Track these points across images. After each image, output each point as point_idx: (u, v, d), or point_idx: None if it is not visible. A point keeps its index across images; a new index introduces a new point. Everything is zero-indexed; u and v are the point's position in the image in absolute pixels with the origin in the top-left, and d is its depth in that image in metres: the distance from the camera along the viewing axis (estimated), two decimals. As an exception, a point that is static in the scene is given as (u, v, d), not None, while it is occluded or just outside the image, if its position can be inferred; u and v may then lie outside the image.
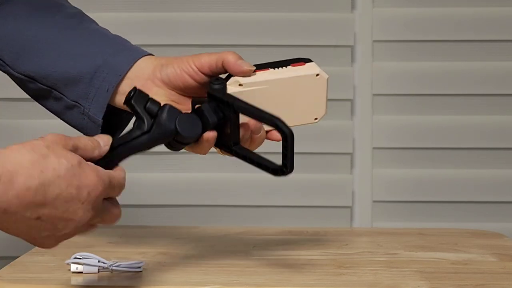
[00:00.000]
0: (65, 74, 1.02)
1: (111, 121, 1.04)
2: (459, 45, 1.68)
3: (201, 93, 0.98)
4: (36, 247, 1.15)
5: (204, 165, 1.67)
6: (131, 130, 0.92)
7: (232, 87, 0.97)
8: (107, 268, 1.01)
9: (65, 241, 1.17)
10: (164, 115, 0.92)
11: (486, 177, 1.69)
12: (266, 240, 1.24)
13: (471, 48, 1.68)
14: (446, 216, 1.69)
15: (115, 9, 1.67)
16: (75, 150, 0.82)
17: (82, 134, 1.03)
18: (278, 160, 0.94)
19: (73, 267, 1.01)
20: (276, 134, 0.99)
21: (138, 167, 1.66)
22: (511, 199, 1.69)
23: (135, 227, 1.36)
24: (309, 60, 1.02)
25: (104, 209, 0.84)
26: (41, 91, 1.05)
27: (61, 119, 1.06)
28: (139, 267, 1.02)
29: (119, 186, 0.85)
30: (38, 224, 0.80)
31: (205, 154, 0.98)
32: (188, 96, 0.99)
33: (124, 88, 1.00)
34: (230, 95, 0.95)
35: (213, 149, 1.00)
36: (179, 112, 0.94)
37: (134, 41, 1.07)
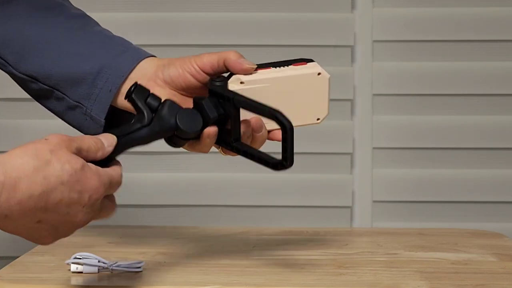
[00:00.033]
0: (68, 74, 1.02)
1: (113, 121, 1.04)
2: (459, 45, 1.68)
3: (203, 93, 0.98)
4: (36, 247, 1.15)
5: (204, 165, 1.67)
6: (131, 123, 0.92)
7: (234, 85, 0.97)
8: (107, 268, 1.01)
9: (65, 241, 1.18)
10: (165, 109, 0.93)
11: (486, 177, 1.69)
12: (266, 240, 1.24)
13: (471, 48, 1.68)
14: (446, 216, 1.69)
15: (115, 9, 1.67)
16: (78, 152, 0.82)
17: (83, 134, 1.03)
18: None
19: (73, 267, 1.01)
20: (277, 134, 0.99)
21: (138, 167, 1.66)
22: (511, 199, 1.69)
23: (135, 227, 1.36)
24: (311, 60, 1.02)
25: (101, 207, 0.84)
26: (43, 91, 1.05)
27: (63, 119, 1.06)
28: (139, 267, 1.02)
29: (117, 184, 0.86)
30: (38, 227, 0.80)
31: (207, 152, 0.98)
32: (190, 96, 1.00)
33: (126, 89, 1.00)
34: (230, 91, 0.96)
35: (213, 148, 1.00)
36: (180, 107, 0.94)
37: (134, 41, 1.07)
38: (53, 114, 1.08)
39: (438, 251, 1.17)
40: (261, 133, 0.98)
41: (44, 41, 1.04)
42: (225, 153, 1.00)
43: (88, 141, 0.84)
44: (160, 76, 1.00)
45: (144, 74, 1.00)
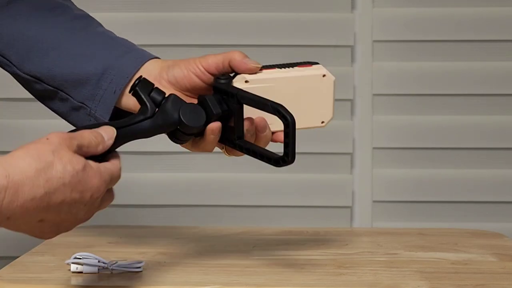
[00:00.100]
0: (72, 75, 1.03)
1: None
2: (459, 45, 1.68)
3: (208, 94, 0.99)
4: (36, 247, 1.16)
5: (204, 165, 1.67)
6: (134, 115, 0.92)
7: (238, 84, 0.97)
8: (107, 268, 1.01)
9: (65, 241, 1.18)
10: (169, 103, 0.93)
11: (486, 177, 1.69)
12: (266, 240, 1.24)
13: (471, 48, 1.68)
14: (446, 216, 1.69)
15: (115, 9, 1.67)
16: (79, 149, 0.82)
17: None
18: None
19: (73, 267, 1.01)
20: (281, 136, 0.99)
21: (138, 167, 1.66)
22: (511, 199, 1.69)
23: (135, 227, 1.36)
24: (316, 63, 1.02)
25: (102, 201, 0.85)
26: (47, 92, 1.05)
27: (67, 120, 1.06)
28: (139, 267, 1.02)
29: (117, 178, 0.86)
30: (40, 225, 0.80)
31: (211, 151, 0.98)
32: (195, 97, 1.00)
33: None
34: (234, 87, 0.96)
35: (216, 149, 1.00)
36: (184, 102, 0.94)
37: (134, 41, 1.07)
38: (55, 114, 1.08)
39: (438, 251, 1.17)
40: (265, 133, 0.98)
41: (47, 42, 1.04)
42: (229, 153, 1.00)
43: (88, 137, 0.84)
44: (165, 77, 1.00)
45: (148, 75, 1.00)
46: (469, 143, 1.69)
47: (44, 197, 0.78)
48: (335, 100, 1.03)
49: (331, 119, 1.03)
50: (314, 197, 1.69)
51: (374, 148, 1.69)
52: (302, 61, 1.03)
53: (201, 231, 1.31)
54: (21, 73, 1.05)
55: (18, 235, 1.76)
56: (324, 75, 1.01)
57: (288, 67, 1.01)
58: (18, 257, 1.11)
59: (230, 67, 0.98)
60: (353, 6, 1.68)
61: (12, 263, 1.07)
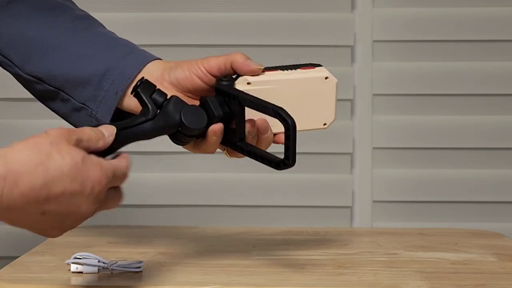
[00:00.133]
0: (74, 76, 1.03)
1: None
2: (459, 45, 1.68)
3: (210, 95, 0.98)
4: (36, 247, 1.15)
5: (204, 165, 1.67)
6: (135, 116, 0.92)
7: (241, 85, 0.97)
8: (107, 268, 1.01)
9: (65, 241, 1.18)
10: (170, 105, 0.93)
11: (486, 177, 1.69)
12: (266, 240, 1.24)
13: (471, 48, 1.68)
14: (446, 216, 1.69)
15: (115, 9, 1.67)
16: (79, 143, 0.82)
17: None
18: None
19: (73, 267, 1.01)
20: (283, 138, 0.99)
21: (138, 167, 1.66)
22: (511, 199, 1.69)
23: (135, 227, 1.36)
24: (319, 65, 1.02)
25: (107, 197, 0.84)
26: (48, 92, 1.05)
27: (68, 121, 1.06)
28: (139, 267, 1.02)
29: (123, 176, 0.86)
30: (43, 219, 0.80)
31: (212, 152, 0.98)
32: (197, 99, 1.00)
33: None
34: (235, 89, 0.96)
35: (216, 149, 1.00)
36: (185, 103, 0.94)
37: (134, 41, 1.07)
38: (55, 114, 1.08)
39: (438, 251, 1.17)
40: (266, 135, 0.98)
41: (48, 42, 1.04)
42: (231, 155, 1.00)
43: (88, 132, 0.84)
44: (167, 79, 1.00)
45: (150, 76, 1.00)
46: (469, 143, 1.69)
47: (44, 187, 0.78)
48: (337, 99, 1.03)
49: (333, 121, 1.03)
50: (314, 197, 1.69)
51: (374, 148, 1.69)
52: (304, 62, 1.03)
53: (201, 231, 1.31)
54: (22, 73, 1.05)
55: (18, 235, 1.77)
56: (326, 77, 1.01)
57: (291, 69, 1.01)
58: (18, 257, 1.11)
59: (232, 69, 0.98)
60: (353, 6, 1.68)
61: (12, 263, 1.07)
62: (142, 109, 0.93)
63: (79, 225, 0.84)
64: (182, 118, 0.93)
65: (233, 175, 1.68)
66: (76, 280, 0.99)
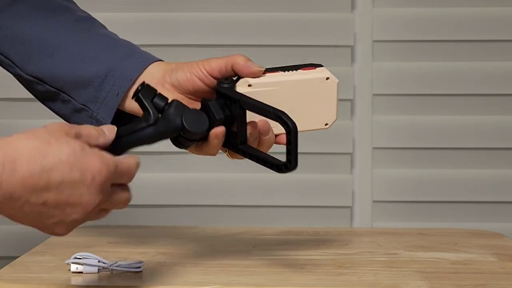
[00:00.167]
0: (75, 77, 1.02)
1: (120, 125, 1.04)
2: (459, 45, 1.68)
3: (211, 97, 0.98)
4: (36, 247, 1.15)
5: (204, 165, 1.67)
6: (136, 122, 0.92)
7: (242, 88, 0.97)
8: (107, 268, 1.01)
9: (65, 241, 1.18)
10: (171, 109, 0.93)
11: (486, 177, 1.69)
12: (266, 240, 1.24)
13: (471, 48, 1.68)
14: (446, 216, 1.69)
15: (115, 9, 1.67)
16: (78, 137, 0.82)
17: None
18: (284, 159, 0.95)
19: (73, 267, 1.01)
20: (284, 138, 0.99)
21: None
22: (511, 199, 1.69)
23: (135, 227, 1.36)
24: (320, 65, 1.02)
25: (112, 193, 0.83)
26: (49, 93, 1.05)
27: (68, 122, 1.06)
28: (139, 267, 1.02)
29: (128, 173, 0.85)
30: (45, 210, 0.79)
31: (214, 154, 0.98)
32: (198, 101, 1.00)
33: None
34: (237, 92, 0.96)
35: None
36: (186, 107, 0.94)
37: (134, 41, 1.07)
38: (56, 115, 1.08)
39: (438, 251, 1.17)
40: (268, 136, 0.98)
41: (50, 43, 1.04)
42: (232, 156, 1.00)
43: (88, 128, 0.84)
44: (168, 80, 1.00)
45: (151, 78, 1.00)
46: (469, 143, 1.69)
47: (42, 174, 0.77)
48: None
49: (335, 121, 1.03)
50: (314, 197, 1.69)
51: (374, 148, 1.69)
52: (305, 63, 1.02)
53: (201, 231, 1.31)
54: (23, 74, 1.05)
55: (18, 235, 1.76)
56: (327, 78, 1.01)
57: (292, 70, 1.00)
58: (18, 257, 1.11)
59: (233, 70, 0.98)
60: (353, 6, 1.68)
61: (12, 263, 1.07)
62: (143, 114, 0.93)
63: (83, 222, 0.83)
64: (184, 122, 0.93)
65: (233, 175, 1.68)
66: (76, 280, 0.99)
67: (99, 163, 0.81)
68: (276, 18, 1.67)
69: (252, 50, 1.65)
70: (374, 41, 1.68)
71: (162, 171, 1.68)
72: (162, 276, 1.00)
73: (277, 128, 0.97)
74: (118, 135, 0.88)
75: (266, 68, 0.99)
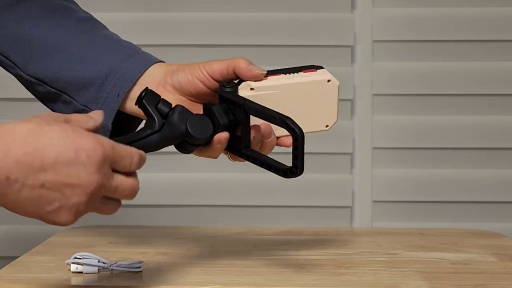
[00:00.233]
0: (76, 78, 1.02)
1: (120, 126, 1.04)
2: (459, 45, 1.68)
3: (212, 99, 0.98)
4: (36, 247, 1.15)
5: (204, 165, 1.67)
6: (141, 129, 0.92)
7: (244, 91, 0.97)
8: (107, 268, 1.01)
9: (65, 241, 1.18)
10: (175, 115, 0.93)
11: (486, 177, 1.69)
12: (266, 240, 1.24)
13: (471, 48, 1.68)
14: (446, 216, 1.69)
15: (115, 9, 1.67)
16: (67, 122, 0.82)
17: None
18: (285, 159, 0.95)
19: (73, 267, 1.01)
20: (286, 141, 0.99)
21: (138, 167, 1.66)
22: (511, 199, 1.69)
23: (135, 227, 1.36)
24: (320, 67, 1.02)
25: (114, 177, 0.82)
26: (50, 94, 1.05)
27: None
28: (139, 267, 1.02)
29: (128, 157, 0.83)
30: (44, 193, 0.78)
31: (216, 157, 0.98)
32: (200, 102, 1.00)
33: (135, 94, 1.00)
34: (240, 97, 0.96)
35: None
36: (190, 113, 0.94)
37: (134, 41, 1.07)
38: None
39: (438, 251, 1.16)
40: (270, 139, 0.98)
41: (52, 44, 1.04)
42: (233, 159, 1.00)
43: (75, 115, 0.84)
44: (169, 82, 1.00)
45: (152, 79, 1.00)
46: (469, 143, 1.69)
47: (36, 153, 0.77)
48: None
49: (336, 122, 1.03)
50: (314, 197, 1.69)
51: (374, 148, 1.69)
52: (306, 65, 1.02)
53: (201, 231, 1.31)
54: (24, 75, 1.05)
55: (18, 235, 1.76)
56: (329, 80, 1.01)
57: (293, 72, 1.00)
58: (18, 257, 1.11)
59: (235, 74, 0.98)
60: (353, 6, 1.68)
61: (12, 263, 1.07)
62: (147, 121, 0.93)
63: (87, 208, 0.80)
64: (188, 128, 0.93)
65: (233, 175, 1.68)
66: (76, 280, 0.99)
67: (93, 142, 0.79)
68: (276, 18, 1.67)
69: (252, 50, 1.66)
70: (374, 41, 1.68)
71: (162, 171, 1.68)
72: (162, 276, 1.00)
73: (279, 130, 0.97)
74: (123, 143, 0.87)
75: (267, 71, 0.99)
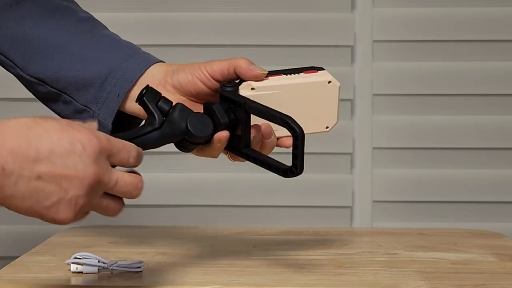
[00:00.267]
0: (76, 78, 1.02)
1: (121, 126, 1.04)
2: (459, 45, 1.68)
3: (213, 99, 0.98)
4: (36, 247, 1.15)
5: (204, 165, 1.67)
6: (141, 126, 0.92)
7: (245, 91, 0.97)
8: (107, 268, 1.01)
9: (65, 241, 1.18)
10: (176, 113, 0.93)
11: (486, 177, 1.69)
12: (266, 240, 1.24)
13: (471, 48, 1.68)
14: (446, 216, 1.69)
15: (115, 9, 1.67)
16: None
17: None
18: (284, 159, 0.95)
19: (73, 267, 1.01)
20: (286, 141, 0.99)
21: (138, 167, 1.66)
22: (511, 199, 1.69)
23: (135, 227, 1.36)
24: (321, 68, 1.02)
25: (113, 170, 0.81)
26: (50, 94, 1.05)
27: None
28: (139, 267, 1.02)
29: (125, 150, 0.82)
30: (41, 185, 0.77)
31: (216, 157, 0.98)
32: (200, 102, 1.00)
33: (135, 94, 1.00)
34: (241, 96, 0.96)
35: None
36: (191, 111, 0.94)
37: (134, 41, 1.07)
38: (56, 115, 1.07)
39: (438, 251, 1.17)
40: (270, 139, 0.98)
41: (52, 44, 1.04)
42: (233, 159, 1.00)
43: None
44: (169, 82, 1.00)
45: (153, 79, 1.00)
46: (469, 143, 1.69)
47: (31, 144, 0.76)
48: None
49: (336, 124, 1.04)
50: (314, 197, 1.69)
51: (374, 148, 1.69)
52: (307, 66, 1.02)
53: (201, 231, 1.31)
54: (24, 75, 1.05)
55: (18, 235, 1.76)
56: (329, 82, 1.01)
57: (294, 73, 1.00)
58: (18, 257, 1.11)
59: (236, 74, 0.98)
60: (353, 6, 1.68)
61: (12, 263, 1.07)
62: (148, 118, 0.93)
63: (87, 204, 0.79)
64: (188, 126, 0.93)
65: (233, 175, 1.68)
66: (76, 280, 0.99)
67: (88, 134, 0.79)
68: (276, 18, 1.67)
69: (252, 50, 1.66)
70: (374, 41, 1.68)
71: (162, 171, 1.68)
72: (162, 276, 1.00)
73: (279, 131, 0.97)
74: (123, 140, 0.87)
75: (268, 71, 0.99)
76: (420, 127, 1.68)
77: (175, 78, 1.00)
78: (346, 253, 1.15)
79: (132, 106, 1.00)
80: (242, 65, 0.97)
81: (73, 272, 1.01)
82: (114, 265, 1.01)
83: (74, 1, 1.10)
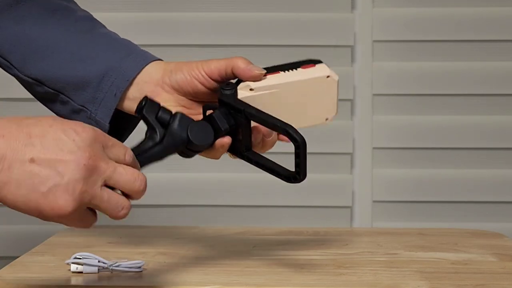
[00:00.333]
0: (73, 78, 1.02)
1: (118, 125, 1.03)
2: (459, 45, 1.68)
3: (211, 98, 0.98)
4: (36, 247, 1.15)
5: (204, 165, 1.67)
6: (143, 141, 0.91)
7: (243, 92, 0.96)
8: (107, 268, 1.01)
9: (65, 241, 1.18)
10: (176, 124, 0.92)
11: (486, 177, 1.69)
12: (266, 240, 1.24)
13: (471, 48, 1.68)
14: (446, 216, 1.69)
15: (115, 9, 1.67)
16: None
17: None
18: (286, 160, 0.95)
19: (73, 267, 1.01)
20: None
21: (138, 167, 1.66)
22: (511, 199, 1.69)
23: (135, 227, 1.36)
24: (319, 61, 1.02)
25: (110, 159, 0.79)
26: (48, 94, 1.05)
27: None
28: (139, 267, 1.02)
29: (121, 146, 0.80)
30: (35, 169, 0.76)
31: (217, 159, 0.98)
32: (198, 101, 0.99)
33: (132, 93, 1.00)
34: (241, 102, 0.95)
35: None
36: (191, 120, 0.93)
37: (134, 41, 1.07)
38: (55, 115, 1.07)
39: (438, 251, 1.16)
40: (271, 137, 0.98)
41: (50, 44, 1.03)
42: (234, 157, 0.99)
43: None
44: (167, 82, 0.99)
45: (150, 78, 1.00)
46: (469, 143, 1.69)
47: (22, 129, 0.76)
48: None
49: (335, 115, 1.03)
50: (314, 197, 1.69)
51: (374, 148, 1.69)
52: (304, 59, 1.02)
53: (201, 231, 1.31)
54: (22, 76, 1.05)
55: (18, 235, 1.76)
56: (328, 76, 1.01)
57: (292, 69, 1.00)
58: (18, 257, 1.11)
59: (234, 74, 0.97)
60: (353, 6, 1.68)
61: (12, 263, 1.07)
62: (149, 132, 0.92)
63: (85, 189, 0.76)
64: (189, 136, 0.93)
65: (233, 175, 1.68)
66: (76, 280, 0.99)
67: (81, 123, 0.78)
68: (276, 18, 1.67)
69: (252, 50, 1.66)
70: (374, 41, 1.68)
71: (162, 171, 1.68)
72: (162, 276, 1.00)
73: None
74: None
75: (265, 68, 0.99)
76: (420, 127, 1.68)
77: (173, 79, 0.99)
78: (346, 253, 1.15)
79: (130, 105, 1.00)
80: (240, 66, 0.97)
81: (73, 272, 1.01)
82: (114, 265, 1.01)
83: (73, 1, 1.10)
